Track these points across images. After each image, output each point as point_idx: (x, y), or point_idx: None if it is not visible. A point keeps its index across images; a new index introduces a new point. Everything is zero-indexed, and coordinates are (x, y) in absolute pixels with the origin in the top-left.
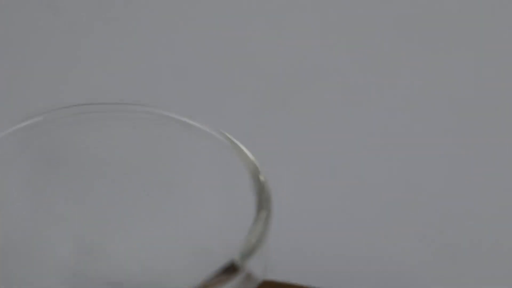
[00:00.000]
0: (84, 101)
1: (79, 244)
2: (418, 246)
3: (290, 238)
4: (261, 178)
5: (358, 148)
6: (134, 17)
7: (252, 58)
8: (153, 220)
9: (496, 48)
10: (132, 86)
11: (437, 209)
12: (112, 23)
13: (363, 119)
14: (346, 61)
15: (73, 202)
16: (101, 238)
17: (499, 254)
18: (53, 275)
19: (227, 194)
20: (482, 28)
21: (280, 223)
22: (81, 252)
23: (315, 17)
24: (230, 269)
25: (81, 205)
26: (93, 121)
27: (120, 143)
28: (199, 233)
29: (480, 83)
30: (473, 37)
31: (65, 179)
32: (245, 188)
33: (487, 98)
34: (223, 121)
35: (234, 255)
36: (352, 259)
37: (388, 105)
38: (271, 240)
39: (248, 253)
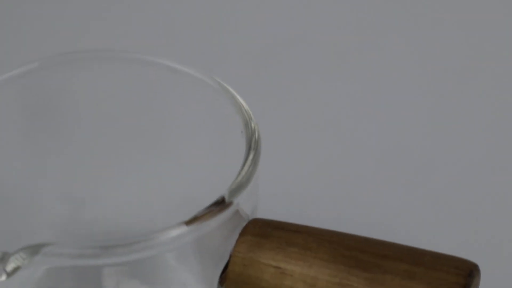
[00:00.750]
0: (77, 48)
1: (70, 192)
2: (404, 192)
3: (279, 182)
4: (252, 122)
5: (345, 98)
6: None
7: (242, 19)
8: (145, 166)
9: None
10: (127, 39)
11: (423, 160)
12: None
13: (349, 76)
14: (333, 21)
15: (65, 149)
16: (92, 186)
17: (479, 199)
18: (44, 225)
19: (218, 138)
20: None
21: (269, 168)
22: (72, 201)
23: None
24: (220, 204)
25: (72, 153)
26: (85, 68)
27: (112, 89)
28: (190, 179)
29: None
30: None
31: (58, 126)
32: (235, 132)
33: (472, 58)
34: (214, 72)
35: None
36: (339, 203)
37: (375, 62)
38: (260, 182)
39: (236, 189)
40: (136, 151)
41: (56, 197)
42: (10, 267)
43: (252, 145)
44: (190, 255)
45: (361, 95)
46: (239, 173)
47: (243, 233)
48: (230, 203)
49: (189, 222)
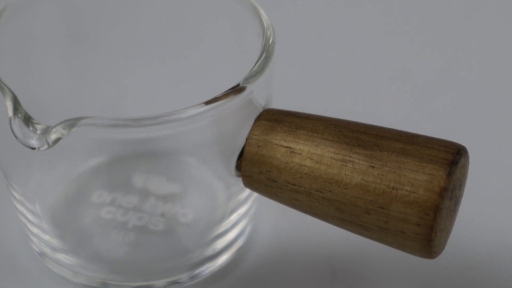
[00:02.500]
0: None
1: (112, 93)
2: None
3: (291, 79)
4: (268, 25)
5: (357, 20)
6: None
7: None
8: (176, 68)
9: None
10: None
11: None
12: None
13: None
14: None
15: (107, 53)
16: (131, 85)
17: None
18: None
19: (240, 40)
20: None
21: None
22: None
23: None
24: (235, 89)
25: (111, 56)
26: None
27: (147, 4)
28: (214, 76)
29: None
30: None
31: (100, 31)
32: (253, 35)
33: None
34: None
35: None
36: (347, 104)
37: None
38: (274, 78)
39: (250, 77)
40: (168, 53)
41: (95, 95)
42: (52, 138)
43: (266, 45)
44: (210, 145)
45: (373, 17)
46: (254, 66)
47: (258, 119)
48: (244, 88)
49: (208, 102)
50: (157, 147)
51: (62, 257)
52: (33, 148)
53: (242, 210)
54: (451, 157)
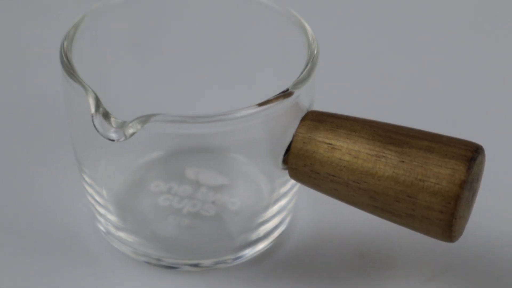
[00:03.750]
0: None
1: (170, 92)
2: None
3: (331, 84)
4: (312, 40)
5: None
6: None
7: None
8: (229, 74)
9: None
10: None
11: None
12: None
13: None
14: None
15: (165, 60)
16: (186, 88)
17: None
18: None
19: (288, 52)
20: None
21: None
22: (171, 102)
23: None
24: (285, 93)
25: (169, 63)
26: None
27: (201, 14)
28: (265, 83)
29: None
30: None
31: (159, 41)
32: (300, 48)
33: None
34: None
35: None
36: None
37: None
38: (316, 85)
39: (297, 83)
40: (222, 60)
41: (159, 94)
42: (128, 131)
43: (311, 56)
44: (260, 143)
45: (400, 35)
46: (300, 73)
47: (303, 119)
48: (292, 93)
49: (261, 104)
50: (211, 143)
51: (124, 235)
52: (112, 140)
53: (283, 202)
54: (470, 154)
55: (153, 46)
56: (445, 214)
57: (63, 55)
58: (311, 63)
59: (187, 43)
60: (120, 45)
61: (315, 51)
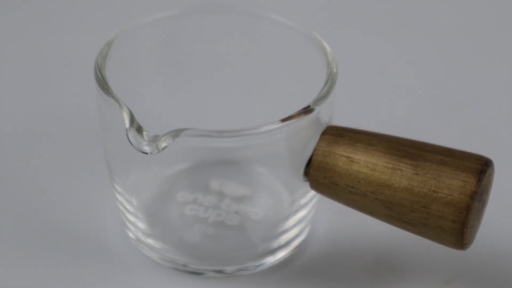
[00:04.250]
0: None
1: (196, 109)
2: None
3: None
4: (331, 59)
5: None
6: None
7: None
8: (254, 90)
9: None
10: None
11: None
12: None
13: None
14: None
15: (191, 77)
16: (211, 104)
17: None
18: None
19: (308, 70)
20: None
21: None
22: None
23: None
24: (306, 109)
25: (195, 79)
26: (210, 16)
27: (227, 33)
28: (287, 99)
29: None
30: None
31: (186, 59)
32: (320, 67)
33: None
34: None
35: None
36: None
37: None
38: (335, 102)
39: (318, 100)
40: (245, 76)
41: (185, 109)
42: (161, 145)
43: (331, 74)
44: (282, 156)
45: (411, 53)
46: (321, 91)
47: (323, 133)
48: (313, 109)
49: (283, 120)
50: (235, 156)
51: (152, 242)
52: (145, 153)
53: (303, 213)
54: (480, 168)
55: (180, 64)
56: (457, 223)
57: (97, 71)
58: (331, 81)
59: (212, 61)
60: (148, 62)
61: (334, 70)
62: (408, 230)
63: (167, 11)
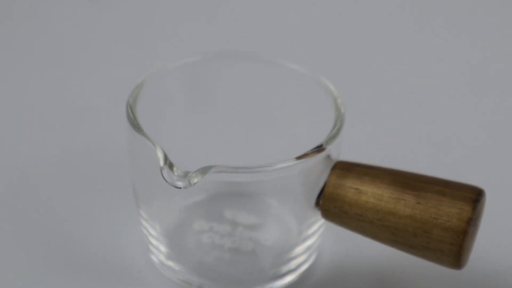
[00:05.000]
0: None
1: (218, 148)
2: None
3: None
4: (339, 103)
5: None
6: None
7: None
8: (269, 131)
9: None
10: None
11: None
12: None
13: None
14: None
15: (214, 118)
16: (231, 144)
17: None
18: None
19: (317, 112)
20: None
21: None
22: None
23: None
24: (319, 148)
25: (217, 121)
26: (228, 63)
27: (244, 78)
28: (298, 139)
29: None
30: None
31: (210, 101)
32: (328, 110)
33: None
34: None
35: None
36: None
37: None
38: (342, 140)
39: (329, 140)
40: (261, 119)
41: (206, 146)
42: (194, 181)
43: (339, 116)
44: (294, 189)
45: (419, 85)
46: (331, 131)
47: (333, 168)
48: (325, 148)
49: (298, 158)
50: (249, 189)
51: (172, 264)
52: (179, 188)
53: (309, 242)
54: (475, 197)
55: (201, 105)
56: (455, 246)
57: (129, 111)
58: (339, 122)
59: (231, 103)
60: (173, 103)
61: (342, 111)
62: (411, 253)
63: (191, 57)
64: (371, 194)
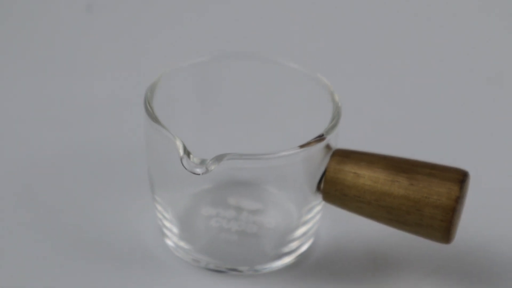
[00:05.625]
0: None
1: (226, 141)
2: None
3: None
4: (336, 97)
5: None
6: None
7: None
8: (273, 123)
9: None
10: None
11: None
12: None
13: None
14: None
15: (221, 114)
16: (238, 137)
17: None
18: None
19: (316, 106)
20: None
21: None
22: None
23: None
24: (320, 137)
25: (225, 116)
26: (235, 63)
27: (249, 77)
28: (301, 130)
29: None
30: None
31: (219, 99)
32: (326, 103)
33: None
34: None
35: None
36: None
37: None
38: (340, 129)
39: (329, 130)
40: (264, 112)
41: (215, 140)
42: (211, 167)
43: (337, 109)
44: (297, 176)
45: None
46: (330, 121)
47: (333, 155)
48: (325, 137)
49: (301, 146)
50: (253, 176)
51: (184, 244)
52: (198, 174)
53: (308, 225)
54: (461, 177)
55: (210, 101)
56: (445, 222)
57: (148, 106)
58: (337, 114)
59: (237, 99)
60: (185, 98)
61: (339, 104)
62: (405, 230)
63: (200, 57)
64: (368, 177)
